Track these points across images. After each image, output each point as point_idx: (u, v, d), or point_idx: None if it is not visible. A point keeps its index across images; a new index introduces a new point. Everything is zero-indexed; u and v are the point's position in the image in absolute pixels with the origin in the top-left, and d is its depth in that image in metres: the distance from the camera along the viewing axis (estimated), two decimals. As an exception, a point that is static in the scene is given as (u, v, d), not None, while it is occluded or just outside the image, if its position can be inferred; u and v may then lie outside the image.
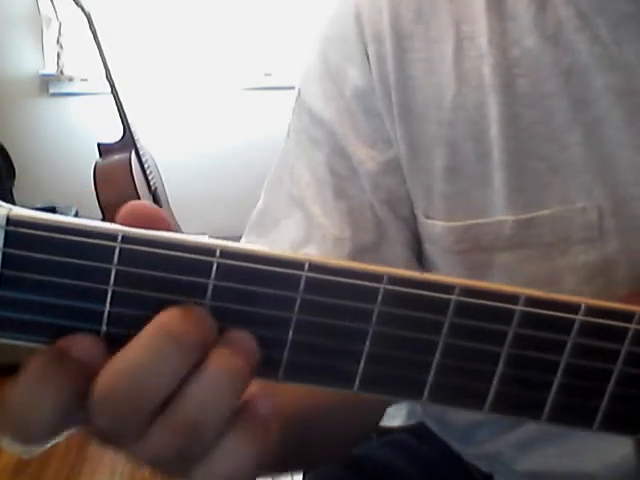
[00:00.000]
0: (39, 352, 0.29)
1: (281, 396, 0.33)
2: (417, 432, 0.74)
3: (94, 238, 0.29)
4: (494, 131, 0.51)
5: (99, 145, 2.29)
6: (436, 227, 0.55)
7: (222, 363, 0.30)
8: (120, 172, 2.21)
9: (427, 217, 0.55)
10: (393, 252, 0.55)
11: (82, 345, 0.29)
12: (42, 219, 0.29)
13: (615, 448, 0.51)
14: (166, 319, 0.29)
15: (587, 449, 0.56)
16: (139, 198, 2.08)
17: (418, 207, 0.56)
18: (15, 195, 2.39)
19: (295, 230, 0.56)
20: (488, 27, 0.52)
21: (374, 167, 0.55)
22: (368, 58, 0.54)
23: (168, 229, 0.30)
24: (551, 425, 0.34)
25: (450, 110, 0.52)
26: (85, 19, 2.18)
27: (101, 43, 2.20)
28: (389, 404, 0.62)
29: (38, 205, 2.19)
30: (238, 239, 0.47)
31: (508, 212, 0.52)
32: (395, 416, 0.76)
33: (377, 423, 0.64)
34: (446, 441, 0.71)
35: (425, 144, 0.54)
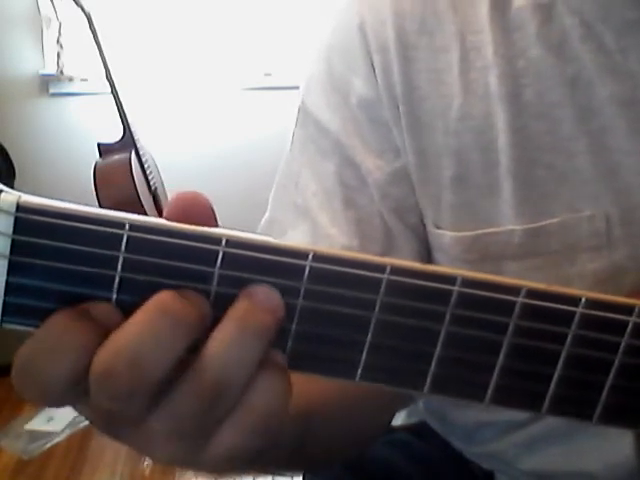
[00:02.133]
0: (59, 310, 0.29)
1: None
2: (418, 431, 0.74)
3: (102, 226, 0.29)
4: (502, 140, 0.51)
5: (99, 145, 2.28)
6: (445, 237, 0.55)
7: (243, 319, 0.29)
8: (120, 172, 2.20)
9: (436, 227, 0.55)
10: None
11: (101, 308, 0.29)
12: (51, 206, 0.29)
13: (617, 448, 0.52)
14: (163, 298, 0.29)
15: (590, 449, 0.56)
16: (139, 198, 2.07)
17: (427, 217, 0.56)
18: (15, 195, 2.38)
19: (301, 240, 0.56)
20: (493, 38, 0.52)
21: (381, 177, 0.55)
22: (373, 68, 0.54)
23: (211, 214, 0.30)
24: (551, 416, 0.34)
25: (456, 120, 0.52)
26: (85, 19, 2.17)
27: (101, 43, 2.20)
28: (397, 407, 0.62)
29: (38, 205, 2.18)
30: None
31: (516, 221, 0.52)
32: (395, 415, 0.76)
33: (381, 430, 0.63)
34: (448, 440, 0.71)
35: (433, 154, 0.54)
